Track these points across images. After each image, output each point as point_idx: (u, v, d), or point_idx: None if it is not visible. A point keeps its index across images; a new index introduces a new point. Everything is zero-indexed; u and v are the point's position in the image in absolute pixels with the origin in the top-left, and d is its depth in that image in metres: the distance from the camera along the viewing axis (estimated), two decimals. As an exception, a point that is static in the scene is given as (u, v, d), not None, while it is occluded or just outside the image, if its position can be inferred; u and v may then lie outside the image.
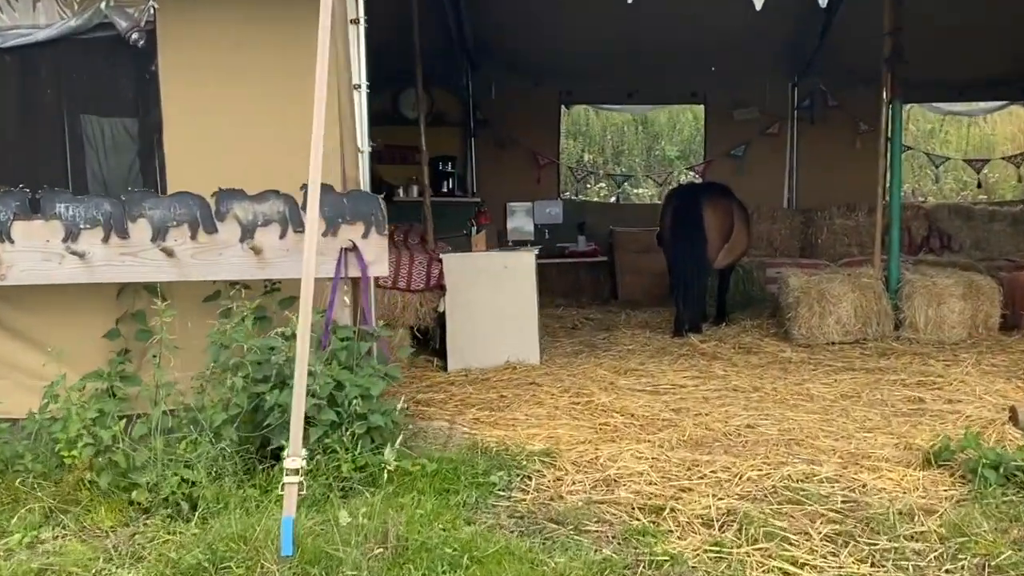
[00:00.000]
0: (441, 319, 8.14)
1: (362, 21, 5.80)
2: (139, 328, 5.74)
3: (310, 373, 5.02)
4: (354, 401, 5.07)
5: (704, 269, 9.40)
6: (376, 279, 8.01)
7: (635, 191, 16.68)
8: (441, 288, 8.10)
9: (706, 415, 6.24)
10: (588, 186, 16.51)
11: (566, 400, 6.66)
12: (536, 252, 8.24)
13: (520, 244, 12.11)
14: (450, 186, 12.75)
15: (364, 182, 5.81)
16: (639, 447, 5.57)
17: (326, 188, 5.39)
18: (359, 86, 5.80)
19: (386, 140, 12.76)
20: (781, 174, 13.16)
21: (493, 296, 8.04)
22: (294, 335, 5.19)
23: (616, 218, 13.31)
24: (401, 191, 12.71)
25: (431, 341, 8.44)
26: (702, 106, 13.63)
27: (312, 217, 4.61)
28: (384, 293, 8.04)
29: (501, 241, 13.01)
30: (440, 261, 8.15)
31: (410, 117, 12.85)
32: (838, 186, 12.73)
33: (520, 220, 13.25)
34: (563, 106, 13.64)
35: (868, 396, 6.72)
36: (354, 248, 5.43)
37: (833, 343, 8.84)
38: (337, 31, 5.41)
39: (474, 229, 8.27)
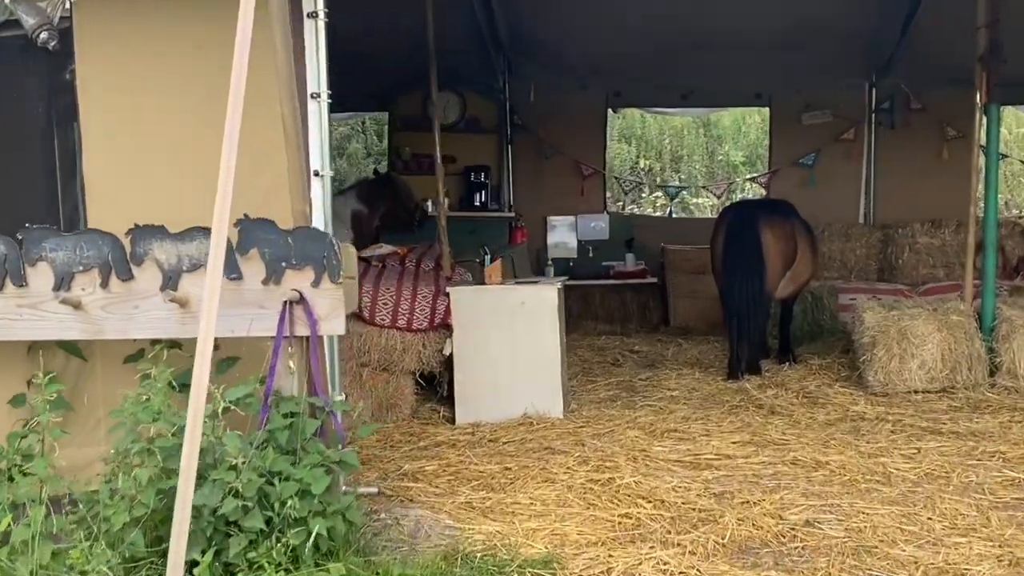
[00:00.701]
0: (449, 362, 7.06)
1: (322, 15, 4.74)
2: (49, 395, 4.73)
3: (232, 467, 3.97)
4: (290, 502, 4.00)
5: (762, 302, 8.17)
6: (366, 318, 6.98)
7: (694, 200, 15.42)
8: (447, 327, 7.00)
9: (755, 504, 5.03)
10: (643, 195, 15.31)
11: (583, 476, 5.50)
12: (559, 286, 7.09)
13: (539, 274, 11.06)
14: (483, 199, 11.66)
15: (321, 215, 4.73)
16: (665, 554, 4.41)
17: (263, 224, 4.34)
18: (318, 95, 4.73)
19: (415, 148, 11.78)
20: (856, 186, 11.81)
21: (509, 337, 6.93)
22: (222, 411, 4.15)
23: (669, 234, 12.07)
24: (430, 205, 11.64)
25: (439, 387, 7.36)
26: (767, 109, 12.32)
27: (215, 264, 3.53)
28: (381, 333, 6.98)
29: (540, 260, 11.95)
30: (447, 296, 7.06)
31: (443, 123, 11.78)
32: (921, 200, 11.35)
33: (562, 235, 12.16)
34: (610, 110, 12.45)
35: (959, 478, 5.45)
36: (301, 300, 4.36)
37: (915, 391, 7.56)
38: (277, 27, 4.33)
39: (487, 257, 7.17)
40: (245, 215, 4.36)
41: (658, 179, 16.69)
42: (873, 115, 11.76)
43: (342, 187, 10.82)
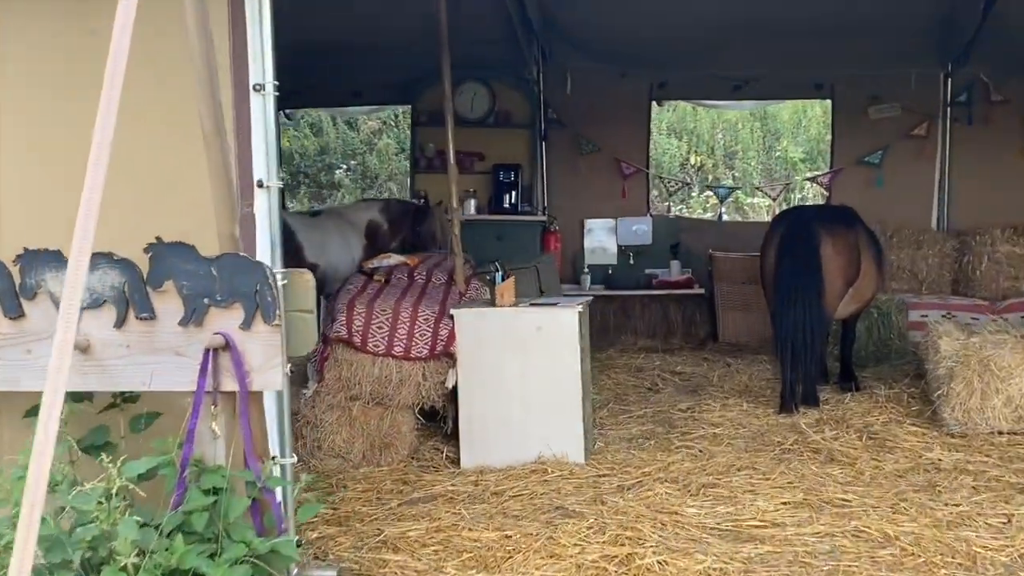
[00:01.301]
0: (455, 395, 6.16)
1: (267, -9, 3.85)
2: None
3: (122, 569, 3.11)
4: (198, 612, 3.14)
5: (820, 327, 7.15)
6: (358, 344, 6.10)
7: (749, 200, 14.36)
8: (450, 356, 6.11)
9: (806, 598, 4.07)
10: (691, 195, 14.28)
11: (597, 550, 4.56)
12: (581, 308, 6.14)
13: (573, 284, 10.09)
14: (513, 201, 10.73)
15: (267, 236, 3.86)
16: (688, 673, 3.47)
17: (181, 250, 3.48)
18: (262, 87, 3.84)
19: (441, 145, 10.86)
20: (929, 187, 10.69)
21: (522, 368, 6.03)
22: (118, 490, 3.31)
23: (718, 239, 11.06)
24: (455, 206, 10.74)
25: (443, 423, 6.47)
26: (828, 101, 11.22)
27: (69, 304, 2.64)
28: (375, 362, 6.10)
29: (576, 266, 11.01)
30: (452, 318, 6.16)
31: (470, 117, 10.93)
32: (1002, 203, 10.21)
33: (600, 239, 11.20)
34: (654, 102, 11.43)
35: (1066, 562, 4.44)
36: (228, 345, 3.48)
37: (1000, 433, 6.52)
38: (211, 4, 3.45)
39: (499, 275, 6.24)
40: (158, 238, 3.49)
41: (709, 177, 15.64)
42: (948, 108, 10.61)
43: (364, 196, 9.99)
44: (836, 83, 10.85)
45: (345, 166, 15.87)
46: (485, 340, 6.05)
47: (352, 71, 10.78)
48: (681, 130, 15.86)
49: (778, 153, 15.76)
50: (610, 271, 11.08)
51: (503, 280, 6.19)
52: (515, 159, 10.93)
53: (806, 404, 7.30)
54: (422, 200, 9.86)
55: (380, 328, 6.13)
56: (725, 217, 11.83)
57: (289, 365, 3.74)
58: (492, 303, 6.30)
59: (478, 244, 10.30)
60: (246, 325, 3.48)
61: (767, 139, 16.11)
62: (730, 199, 12.35)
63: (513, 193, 10.72)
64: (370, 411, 6.12)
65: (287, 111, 11.78)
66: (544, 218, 10.70)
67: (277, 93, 3.86)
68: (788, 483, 5.62)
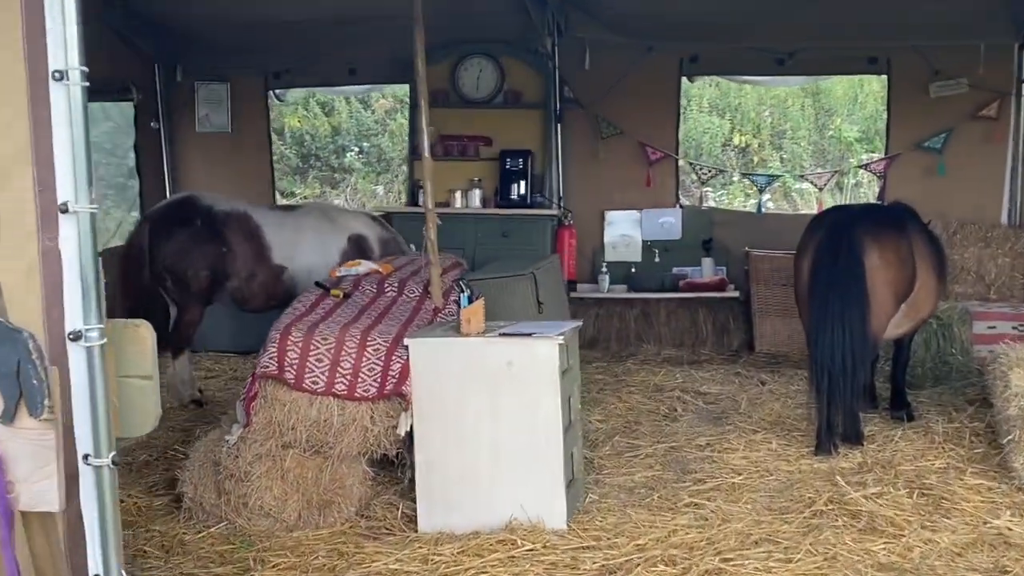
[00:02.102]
0: (412, 440, 5.14)
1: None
2: None
3: None
4: None
5: (864, 350, 5.99)
6: (292, 382, 5.08)
7: (797, 186, 13.13)
8: (402, 396, 5.07)
9: None
10: (733, 181, 13.06)
11: None
12: (562, 339, 5.03)
13: (591, 285, 8.90)
14: (522, 191, 9.64)
15: (75, 284, 2.82)
16: None
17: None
18: (64, 74, 2.81)
19: (443, 129, 9.85)
20: (999, 176, 9.41)
21: (491, 411, 4.98)
22: None
23: (757, 234, 9.90)
24: (459, 197, 9.73)
25: (401, 472, 5.45)
26: (884, 77, 9.93)
27: None
28: (312, 402, 5.08)
29: (595, 264, 9.92)
30: (407, 350, 5.12)
31: (475, 97, 9.87)
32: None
33: (622, 234, 10.10)
34: (685, 78, 10.24)
35: None
36: (-19, 448, 2.47)
37: (1087, 490, 5.36)
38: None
39: (464, 295, 5.14)
40: None
41: (755, 159, 14.38)
42: (1023, 85, 9.32)
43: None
44: (892, 56, 9.58)
45: (357, 148, 14.88)
46: (446, 376, 5.01)
47: (344, 46, 9.75)
48: (724, 107, 14.62)
49: (831, 132, 14.45)
50: (633, 269, 9.97)
51: (469, 302, 5.12)
52: (526, 144, 9.83)
53: (847, 443, 6.17)
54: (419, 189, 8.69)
55: (319, 361, 5.11)
56: (765, 209, 10.59)
57: (113, 454, 2.74)
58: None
59: (482, 241, 9.29)
60: (6, 419, 2.46)
61: (819, 117, 14.81)
62: (774, 186, 11.11)
63: (522, 183, 9.62)
64: (307, 462, 5.10)
65: (277, 91, 10.78)
66: (556, 211, 9.59)
67: (87, 84, 2.82)
68: (817, 556, 4.53)
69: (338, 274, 6.65)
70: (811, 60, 9.77)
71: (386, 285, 6.33)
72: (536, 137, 9.90)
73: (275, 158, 15.34)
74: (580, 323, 5.53)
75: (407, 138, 10.08)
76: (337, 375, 5.07)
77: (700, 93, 14.40)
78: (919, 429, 6.59)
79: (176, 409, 7.29)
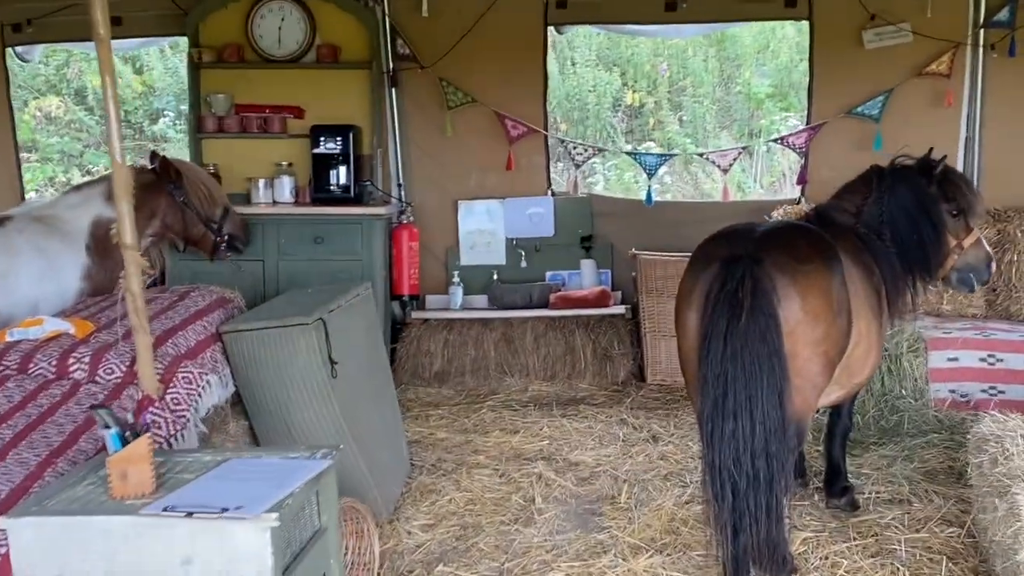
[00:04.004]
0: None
1: None
2: None
3: None
4: None
5: (783, 449, 3.88)
6: None
7: (698, 155, 11.13)
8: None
9: None
10: (618, 159, 11.04)
11: None
12: (276, 520, 2.91)
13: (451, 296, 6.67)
14: (342, 180, 7.48)
15: None
16: None
17: None
18: None
19: (238, 96, 7.65)
20: (951, 148, 7.48)
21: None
22: None
23: (648, 228, 7.94)
24: (262, 189, 7.56)
25: None
26: (805, 23, 7.95)
27: None
28: None
29: (448, 270, 7.88)
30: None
31: (276, 53, 7.67)
32: (1061, 171, 7.24)
33: (480, 226, 8.06)
34: (552, 29, 8.14)
35: None
36: None
37: None
38: None
39: (112, 433, 2.99)
40: None
41: (651, 120, 12.38)
42: (981, 33, 7.45)
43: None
44: (815, -3, 7.64)
45: (173, 113, 12.50)
46: (83, 576, 2.90)
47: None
48: (614, 60, 12.56)
49: (738, 88, 12.52)
50: (495, 276, 7.95)
51: (120, 443, 2.99)
52: (349, 116, 7.66)
53: (767, 571, 4.21)
54: (155, 157, 6.31)
55: None
56: (659, 196, 8.56)
57: None
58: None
59: (287, 252, 7.17)
60: None
61: (725, 68, 12.84)
62: (666, 167, 9.10)
63: (342, 169, 7.45)
64: None
65: (18, 49, 8.41)
66: (384, 210, 7.44)
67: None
68: None
69: (8, 338, 4.49)
70: (711, 3, 7.76)
71: (71, 362, 4.20)
72: (363, 107, 7.74)
73: (76, 128, 12.97)
74: (327, 465, 3.38)
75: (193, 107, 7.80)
76: None
77: (586, 42, 12.33)
78: (868, 521, 4.75)
79: None
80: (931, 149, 5.06)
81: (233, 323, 4.95)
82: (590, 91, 12.01)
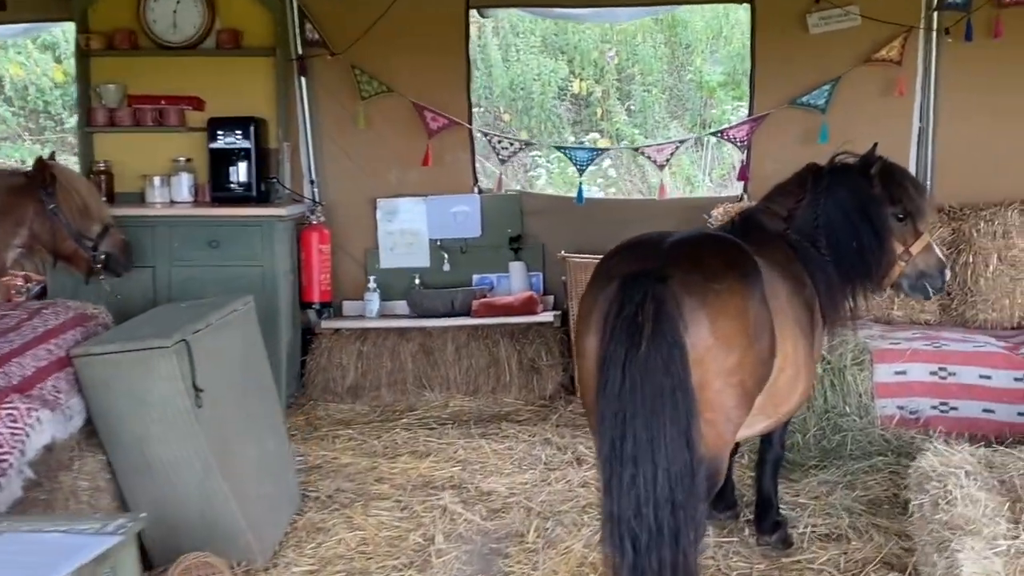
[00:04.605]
0: None
1: None
2: None
3: None
4: None
5: (693, 496, 3.35)
6: None
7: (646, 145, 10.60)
8: None
9: None
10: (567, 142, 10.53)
11: None
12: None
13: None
14: (243, 179, 6.91)
15: None
16: None
17: None
18: None
19: (133, 87, 7.07)
20: (902, 142, 7.04)
21: None
22: None
23: (582, 226, 7.42)
24: (157, 186, 6.99)
25: None
26: (746, 6, 7.42)
27: None
28: None
29: (367, 273, 7.34)
30: None
31: (172, 39, 7.07)
32: (1021, 165, 6.76)
33: (402, 227, 7.52)
34: (476, 11, 7.57)
35: None
36: None
37: None
38: None
39: None
40: None
41: (598, 110, 11.85)
42: (935, 17, 6.95)
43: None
44: (757, -23, 7.12)
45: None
46: None
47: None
48: (561, 47, 12.02)
49: (689, 76, 12.00)
50: (417, 280, 7.40)
51: None
52: (253, 107, 7.10)
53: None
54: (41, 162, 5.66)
55: None
56: (600, 193, 7.95)
57: None
58: None
59: (180, 257, 6.60)
60: None
61: (678, 55, 12.33)
62: (610, 160, 8.54)
63: (243, 166, 6.88)
64: None
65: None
66: (286, 210, 6.84)
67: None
68: None
69: None
70: (648, -16, 7.23)
71: None
72: (269, 98, 7.17)
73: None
74: (113, 543, 2.79)
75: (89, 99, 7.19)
76: None
77: (531, 28, 11.78)
78: (808, 555, 4.26)
79: None
80: (875, 145, 4.56)
81: (86, 345, 4.39)
82: (535, 79, 11.46)
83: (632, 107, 11.69)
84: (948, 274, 4.65)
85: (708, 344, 3.49)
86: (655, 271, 3.51)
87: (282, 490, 4.99)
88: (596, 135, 11.27)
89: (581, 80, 11.86)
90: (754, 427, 4.03)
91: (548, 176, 10.67)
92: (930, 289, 4.59)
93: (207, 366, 4.42)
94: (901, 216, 4.49)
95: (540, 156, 10.55)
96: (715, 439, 3.61)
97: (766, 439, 4.57)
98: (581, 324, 3.73)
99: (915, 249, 4.55)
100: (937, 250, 4.66)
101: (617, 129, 11.58)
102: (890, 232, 4.47)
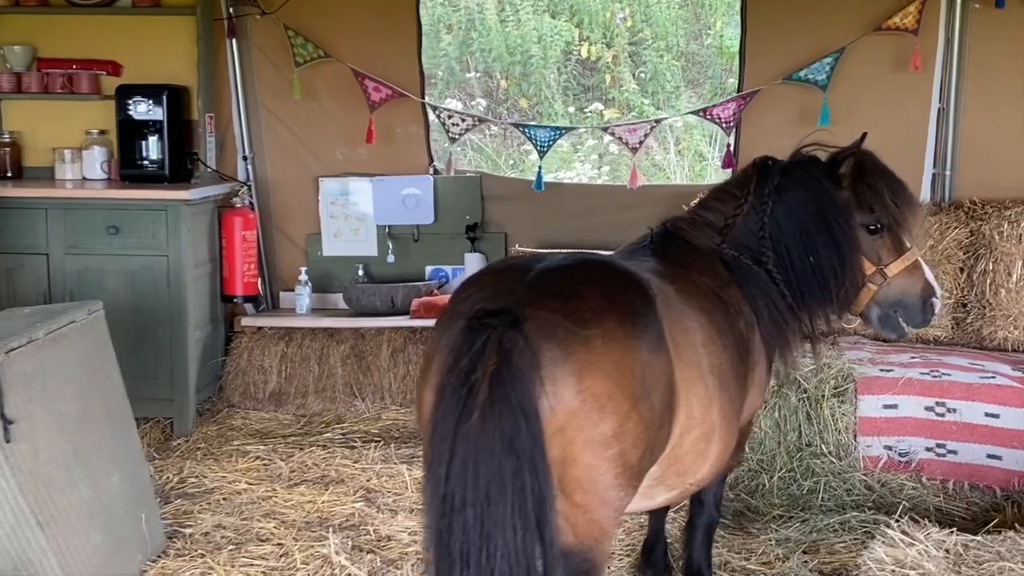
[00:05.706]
0: None
1: None
2: None
3: None
4: None
5: None
6: None
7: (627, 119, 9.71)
8: None
9: None
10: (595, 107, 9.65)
11: None
12: None
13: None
14: (158, 155, 6.17)
15: None
16: None
17: None
18: None
19: (44, 49, 6.36)
20: (920, 125, 6.12)
21: None
22: None
23: (544, 214, 6.61)
24: (68, 161, 6.29)
25: None
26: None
27: None
28: None
29: (310, 265, 6.58)
30: None
31: (83, -2, 6.30)
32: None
33: (347, 210, 6.75)
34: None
35: None
36: None
37: None
38: None
39: None
40: None
41: (607, 77, 10.93)
42: (957, -22, 6.00)
43: None
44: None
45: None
46: None
47: None
48: (569, 8, 11.10)
49: (709, 40, 11.02)
50: (360, 272, 6.64)
51: None
52: (176, 73, 6.35)
53: None
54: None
55: None
56: (549, 177, 7.00)
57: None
58: None
59: (75, 244, 5.89)
60: None
61: (700, 16, 11.33)
62: (598, 138, 7.63)
63: (154, 140, 6.14)
64: None
65: None
66: (192, 193, 6.01)
67: None
68: None
69: None
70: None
71: None
72: (189, 61, 6.40)
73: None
74: None
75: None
76: None
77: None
78: None
79: None
80: (863, 135, 3.70)
81: None
82: (535, 43, 10.57)
83: (643, 74, 10.74)
84: (937, 305, 3.73)
85: (572, 408, 2.66)
86: (509, 310, 2.69)
87: (128, 535, 4.26)
88: (599, 105, 10.37)
89: (590, 44, 10.92)
90: (654, 499, 3.20)
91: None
92: (903, 324, 3.70)
93: (23, 392, 3.71)
94: (874, 227, 3.62)
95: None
96: (587, 527, 2.79)
97: (696, 499, 3.75)
98: (421, 376, 2.93)
99: (892, 270, 3.66)
100: (926, 273, 3.74)
101: (627, 99, 10.66)
102: (857, 247, 3.59)
